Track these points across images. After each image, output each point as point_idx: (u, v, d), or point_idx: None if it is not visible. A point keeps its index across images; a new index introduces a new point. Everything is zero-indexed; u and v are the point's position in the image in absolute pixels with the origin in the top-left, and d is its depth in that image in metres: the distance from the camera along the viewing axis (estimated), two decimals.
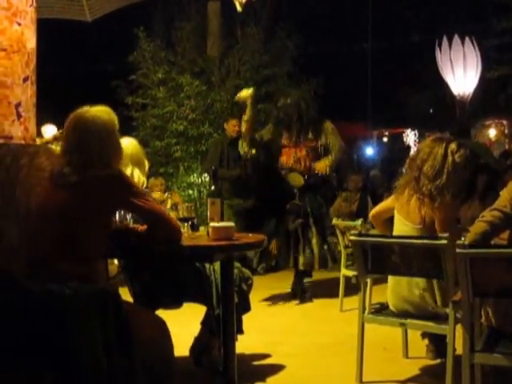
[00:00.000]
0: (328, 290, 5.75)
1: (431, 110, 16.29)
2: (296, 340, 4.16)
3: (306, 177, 5.30)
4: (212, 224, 2.76)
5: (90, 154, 2.44)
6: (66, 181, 2.42)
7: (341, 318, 4.81)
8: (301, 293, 5.43)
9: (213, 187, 2.97)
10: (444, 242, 2.82)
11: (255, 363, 3.71)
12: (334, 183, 6.00)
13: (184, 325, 3.69)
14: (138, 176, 3.23)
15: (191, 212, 2.97)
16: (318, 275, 6.78)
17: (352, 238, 3.11)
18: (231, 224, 2.77)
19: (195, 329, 3.51)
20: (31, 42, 2.97)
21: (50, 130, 13.62)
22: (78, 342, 2.18)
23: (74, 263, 2.36)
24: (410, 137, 17.41)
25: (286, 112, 5.26)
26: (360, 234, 3.19)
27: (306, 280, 5.46)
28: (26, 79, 2.91)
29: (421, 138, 16.87)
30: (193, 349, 3.51)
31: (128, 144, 3.19)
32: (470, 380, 2.50)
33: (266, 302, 5.36)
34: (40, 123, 5.34)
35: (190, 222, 2.97)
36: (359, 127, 14.22)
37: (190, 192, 7.20)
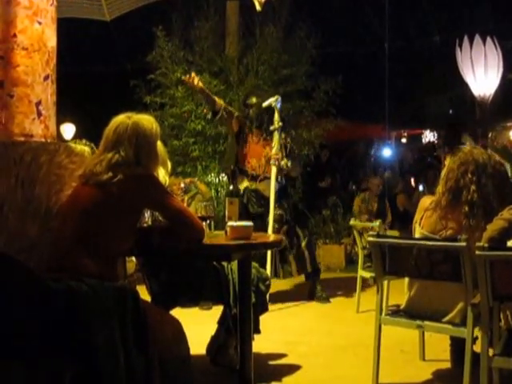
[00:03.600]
0: (345, 290, 5.75)
1: (451, 111, 16.13)
2: (312, 340, 4.16)
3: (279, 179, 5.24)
4: (230, 223, 2.77)
5: (124, 155, 2.50)
6: (96, 179, 2.46)
7: (357, 318, 4.79)
8: (316, 293, 5.42)
9: (231, 187, 2.97)
10: (463, 244, 2.79)
11: (272, 363, 3.71)
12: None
13: (201, 324, 3.70)
14: (162, 176, 3.27)
15: (209, 211, 2.98)
16: (336, 275, 6.79)
17: (370, 238, 3.09)
18: (249, 223, 2.77)
19: (212, 328, 3.52)
20: (52, 41, 2.99)
21: (69, 129, 13.80)
22: (96, 339, 2.20)
23: (94, 261, 2.38)
24: (429, 138, 17.28)
25: (261, 110, 5.24)
26: (378, 235, 3.17)
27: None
28: (46, 78, 2.93)
29: (439, 139, 16.73)
30: (209, 348, 3.51)
31: None
32: None
33: (283, 302, 5.35)
34: (59, 122, 5.41)
35: (208, 221, 2.98)
36: (377, 128, 14.12)
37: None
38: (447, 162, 3.20)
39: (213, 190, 7.16)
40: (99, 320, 2.22)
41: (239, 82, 7.28)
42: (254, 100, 5.34)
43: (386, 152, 14.41)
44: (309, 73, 7.46)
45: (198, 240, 2.60)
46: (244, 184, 5.27)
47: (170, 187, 6.55)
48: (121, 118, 2.60)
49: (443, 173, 3.17)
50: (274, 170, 5.11)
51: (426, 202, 3.25)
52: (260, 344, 3.85)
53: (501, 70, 10.52)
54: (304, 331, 4.42)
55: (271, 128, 5.15)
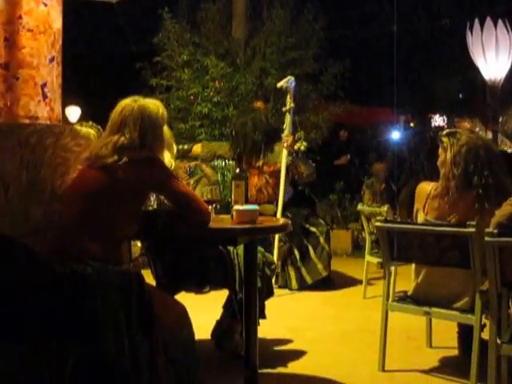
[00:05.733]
0: (352, 276, 5.72)
1: (461, 95, 16.00)
2: (319, 326, 4.14)
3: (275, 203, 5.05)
4: (236, 207, 2.74)
5: (129, 138, 2.48)
6: (101, 162, 2.44)
7: (364, 304, 4.77)
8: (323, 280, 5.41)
9: (237, 170, 2.93)
10: (472, 229, 2.75)
11: (277, 348, 3.70)
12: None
13: (207, 308, 3.69)
14: (168, 159, 3.25)
15: (215, 194, 2.95)
16: (343, 260, 6.77)
17: (377, 224, 3.06)
18: (255, 207, 2.74)
19: (217, 313, 3.50)
20: (57, 23, 2.95)
21: (74, 112, 13.76)
22: (101, 323, 2.19)
23: (99, 244, 2.37)
24: (439, 122, 17.12)
25: (235, 133, 5.13)
26: (386, 221, 3.13)
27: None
28: (51, 60, 2.90)
29: (449, 123, 16.61)
30: (214, 333, 3.50)
31: None
32: (497, 371, 2.45)
33: (287, 285, 5.34)
34: (64, 105, 5.39)
35: (214, 205, 2.95)
36: (386, 112, 14.01)
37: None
38: (446, 144, 3.12)
39: (219, 174, 7.12)
40: (104, 304, 2.20)
41: (246, 64, 7.20)
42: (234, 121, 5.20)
43: (395, 136, 14.30)
44: (317, 55, 7.38)
45: (203, 224, 2.58)
46: None
47: (175, 170, 6.53)
48: (127, 101, 2.58)
49: (447, 157, 3.09)
50: (284, 152, 4.99)
51: (426, 188, 3.20)
52: (265, 329, 3.83)
53: None
54: (310, 317, 4.41)
55: (283, 109, 5.05)
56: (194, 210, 2.54)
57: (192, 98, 7.13)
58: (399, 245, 3.04)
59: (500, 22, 10.30)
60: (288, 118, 5.03)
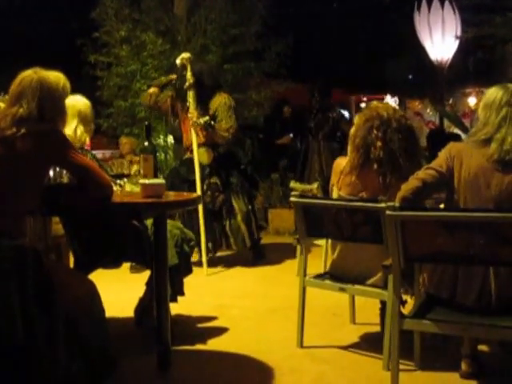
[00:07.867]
0: (290, 254, 5.70)
1: (410, 76, 16.09)
2: (247, 303, 4.12)
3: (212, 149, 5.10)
4: (141, 181, 2.68)
5: (27, 109, 2.41)
6: (0, 135, 2.37)
7: (296, 282, 4.70)
8: (256, 256, 5.42)
9: (146, 143, 2.87)
10: (383, 205, 2.73)
11: (200, 325, 3.67)
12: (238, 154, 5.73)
13: (137, 287, 3.63)
14: (80, 132, 3.21)
15: (124, 169, 2.89)
16: (285, 239, 6.75)
17: (292, 199, 3.02)
18: (161, 181, 2.68)
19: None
20: None
21: None
22: None
23: None
24: (390, 103, 17.15)
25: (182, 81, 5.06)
26: (300, 196, 3.10)
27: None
28: None
29: (401, 104, 16.71)
30: (136, 309, 3.50)
31: (80, 101, 3.28)
32: (399, 347, 2.45)
33: (222, 264, 5.31)
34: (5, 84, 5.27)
35: (123, 179, 2.89)
36: (336, 92, 13.98)
37: (157, 154, 7.05)
38: (355, 120, 3.11)
39: (161, 153, 7.02)
40: None
41: (187, 41, 7.07)
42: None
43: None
44: (259, 33, 7.29)
45: (105, 197, 2.54)
46: (185, 156, 5.25)
47: (121, 146, 6.49)
48: (27, 72, 2.51)
49: (351, 131, 3.08)
50: (193, 132, 4.96)
51: (341, 163, 3.18)
52: (192, 307, 3.82)
53: (459, 34, 10.47)
54: (240, 294, 4.37)
55: (184, 87, 4.94)
56: (94, 183, 2.51)
57: (131, 75, 6.95)
58: (314, 220, 3.01)
59: (447, 4, 10.39)
60: (191, 95, 4.92)
